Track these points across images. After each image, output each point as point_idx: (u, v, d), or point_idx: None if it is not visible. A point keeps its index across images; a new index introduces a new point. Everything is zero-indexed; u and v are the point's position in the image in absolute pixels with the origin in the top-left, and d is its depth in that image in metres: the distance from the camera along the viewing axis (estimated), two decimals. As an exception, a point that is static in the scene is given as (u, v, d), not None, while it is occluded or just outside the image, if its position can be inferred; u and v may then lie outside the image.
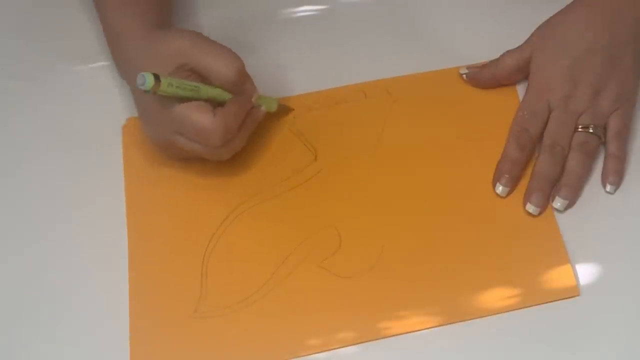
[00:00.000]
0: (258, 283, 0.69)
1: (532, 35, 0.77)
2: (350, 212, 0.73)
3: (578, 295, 0.68)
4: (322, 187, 0.74)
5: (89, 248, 0.74)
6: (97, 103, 0.82)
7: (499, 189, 0.72)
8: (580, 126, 0.73)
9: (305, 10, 0.86)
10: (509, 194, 0.72)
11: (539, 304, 0.68)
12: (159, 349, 0.68)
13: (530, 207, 0.71)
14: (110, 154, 0.78)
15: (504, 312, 0.68)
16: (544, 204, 0.71)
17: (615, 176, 0.72)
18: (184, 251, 0.72)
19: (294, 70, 0.82)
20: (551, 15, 0.77)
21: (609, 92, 0.73)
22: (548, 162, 0.72)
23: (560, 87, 0.73)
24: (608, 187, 0.72)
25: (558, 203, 0.71)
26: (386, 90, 0.79)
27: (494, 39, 0.80)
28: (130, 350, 0.68)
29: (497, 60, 0.78)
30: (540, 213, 0.71)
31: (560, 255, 0.70)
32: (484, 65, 0.78)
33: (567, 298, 0.68)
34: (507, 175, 0.72)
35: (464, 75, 0.78)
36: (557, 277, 0.69)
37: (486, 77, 0.78)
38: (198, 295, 0.69)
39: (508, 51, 0.77)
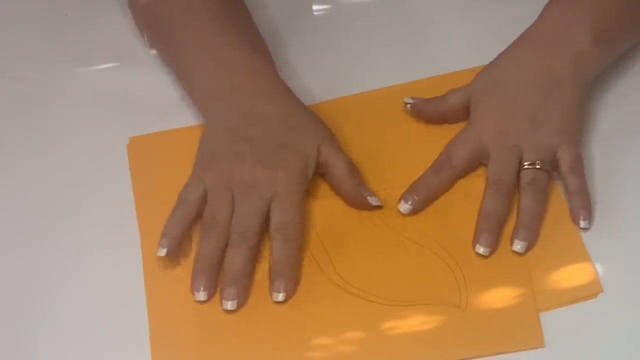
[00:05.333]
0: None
1: (475, 75, 0.75)
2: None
3: (601, 292, 0.67)
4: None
5: (96, 254, 0.72)
6: (100, 105, 0.81)
7: (402, 207, 0.70)
8: (526, 163, 0.69)
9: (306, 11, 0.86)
10: (412, 213, 0.70)
11: (561, 306, 0.66)
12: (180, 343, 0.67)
13: (480, 249, 0.67)
14: (115, 156, 0.77)
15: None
16: (494, 244, 0.68)
17: (585, 211, 0.69)
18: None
19: (294, 72, 0.81)
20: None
21: (551, 125, 0.70)
22: (494, 199, 0.69)
23: (492, 124, 0.71)
24: (582, 224, 0.68)
25: (517, 246, 0.67)
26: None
27: (497, 41, 0.77)
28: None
29: (442, 96, 0.75)
30: (491, 253, 0.68)
31: (581, 254, 0.68)
32: (429, 99, 0.75)
33: (588, 297, 0.66)
34: (415, 197, 0.70)
35: (408, 106, 0.75)
36: (578, 276, 0.67)
37: (430, 111, 0.75)
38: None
39: (454, 89, 0.75)
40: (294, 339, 0.66)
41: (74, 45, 0.85)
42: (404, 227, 0.70)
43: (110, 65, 0.83)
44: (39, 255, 0.72)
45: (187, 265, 0.70)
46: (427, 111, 0.75)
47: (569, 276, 0.67)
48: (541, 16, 0.75)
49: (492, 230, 0.68)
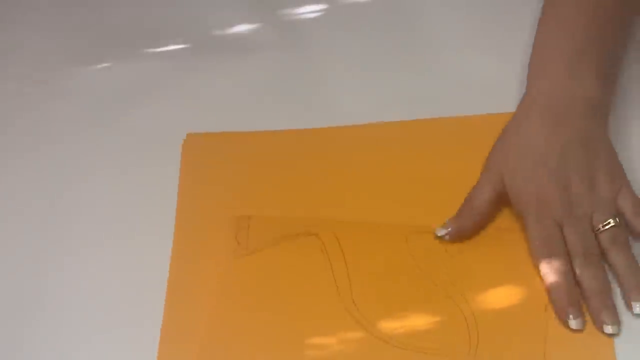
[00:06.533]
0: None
1: (488, 158, 0.71)
2: None
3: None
4: None
5: (94, 254, 0.72)
6: (100, 105, 0.81)
7: (573, 323, 0.64)
8: (600, 226, 0.67)
9: (304, 11, 0.86)
10: (584, 323, 0.64)
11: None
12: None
13: (608, 328, 0.63)
14: (116, 155, 0.77)
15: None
16: (617, 316, 0.64)
17: None
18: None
19: (289, 75, 0.82)
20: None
21: (604, 176, 0.68)
22: (592, 275, 0.65)
23: (555, 198, 0.68)
24: None
25: (637, 307, 0.64)
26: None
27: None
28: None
29: (468, 204, 0.70)
30: (619, 330, 0.64)
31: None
32: (457, 216, 0.70)
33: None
34: (571, 307, 0.64)
35: (446, 237, 0.69)
36: None
37: (468, 226, 0.70)
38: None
39: (473, 188, 0.70)
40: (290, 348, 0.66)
41: (73, 45, 0.85)
42: (437, 272, 0.68)
43: (110, 64, 0.83)
44: (38, 256, 0.72)
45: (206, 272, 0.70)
46: (465, 229, 0.70)
47: None
48: (538, 72, 0.73)
49: (608, 304, 0.64)
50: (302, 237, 0.71)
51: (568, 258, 0.66)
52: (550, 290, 0.66)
